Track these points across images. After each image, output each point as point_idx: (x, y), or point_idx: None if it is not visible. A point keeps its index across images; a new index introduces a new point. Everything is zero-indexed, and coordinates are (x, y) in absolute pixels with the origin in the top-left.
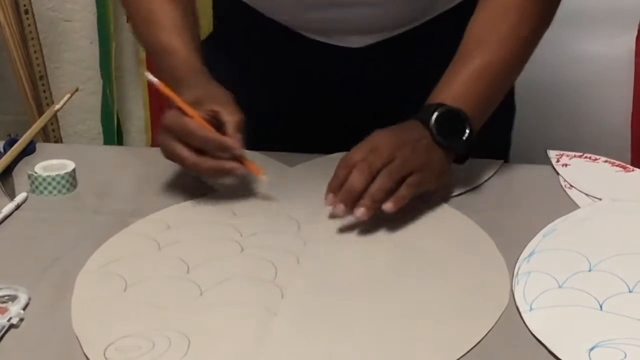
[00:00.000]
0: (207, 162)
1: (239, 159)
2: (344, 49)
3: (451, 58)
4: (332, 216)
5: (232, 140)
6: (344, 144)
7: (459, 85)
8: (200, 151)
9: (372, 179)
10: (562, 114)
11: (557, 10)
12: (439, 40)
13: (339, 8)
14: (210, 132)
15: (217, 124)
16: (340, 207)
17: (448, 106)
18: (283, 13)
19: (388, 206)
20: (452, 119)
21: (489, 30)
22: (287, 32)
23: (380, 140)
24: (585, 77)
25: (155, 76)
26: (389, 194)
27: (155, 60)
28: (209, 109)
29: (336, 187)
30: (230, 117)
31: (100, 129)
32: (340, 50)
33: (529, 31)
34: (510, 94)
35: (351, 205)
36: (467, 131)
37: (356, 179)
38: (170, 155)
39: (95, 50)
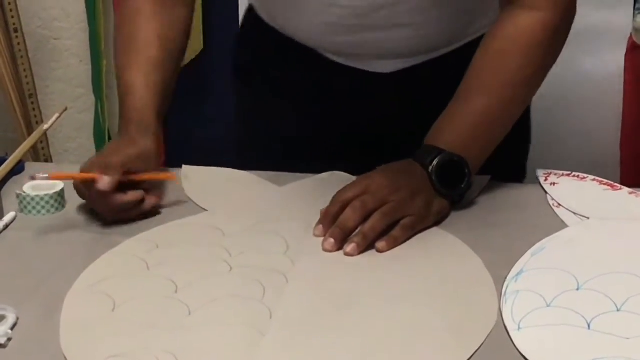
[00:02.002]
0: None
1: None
2: (372, 74)
3: None
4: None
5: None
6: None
7: (459, 129)
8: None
9: (365, 218)
10: (551, 131)
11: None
12: (461, 70)
13: (368, 32)
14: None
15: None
16: (330, 242)
17: (449, 153)
18: (312, 37)
19: (381, 245)
20: (453, 167)
21: (491, 73)
22: (314, 55)
23: (376, 181)
24: (574, 94)
25: None
26: (381, 234)
27: (118, 89)
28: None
29: (327, 222)
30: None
31: (90, 147)
32: (368, 75)
33: (531, 76)
34: (526, 117)
35: (341, 242)
36: (466, 179)
37: (349, 217)
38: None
39: (84, 68)
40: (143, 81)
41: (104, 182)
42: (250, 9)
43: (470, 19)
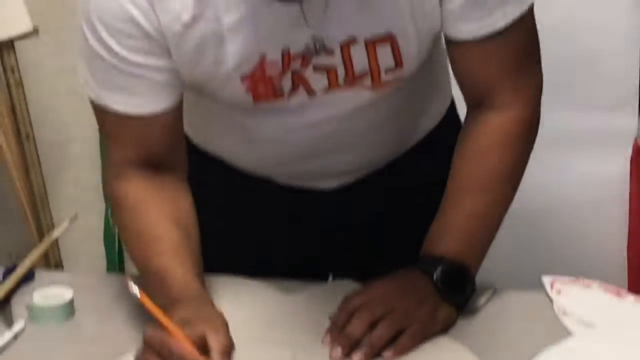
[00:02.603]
0: None
1: None
2: (316, 191)
3: (422, 194)
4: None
5: None
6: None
7: (456, 235)
8: None
9: (372, 326)
10: (555, 236)
11: (549, 130)
12: (407, 176)
13: (315, 158)
14: (192, 356)
15: (205, 347)
16: (338, 352)
17: (451, 261)
18: (256, 167)
19: (389, 355)
20: (457, 274)
21: (476, 174)
22: (254, 179)
23: (382, 289)
24: (577, 198)
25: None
26: (388, 342)
27: (148, 281)
28: (198, 331)
29: (335, 331)
30: (217, 343)
31: (100, 252)
32: (312, 193)
33: (512, 171)
34: None
35: (349, 351)
36: (470, 284)
37: (356, 326)
38: None
39: (95, 172)
40: (175, 263)
41: None
42: None
43: (415, 127)
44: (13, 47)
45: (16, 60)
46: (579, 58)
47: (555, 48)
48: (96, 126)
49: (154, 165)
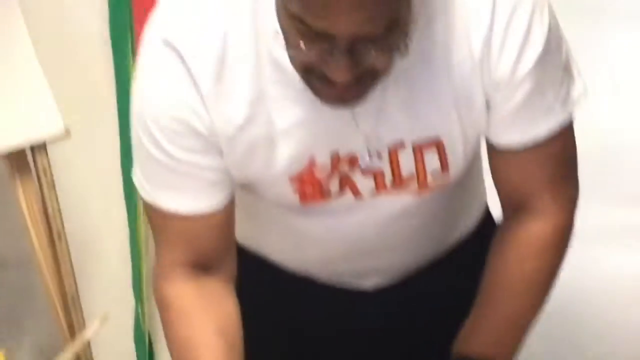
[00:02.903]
0: None
1: None
2: (354, 291)
3: (456, 296)
4: None
5: None
6: None
7: (488, 337)
8: None
9: None
10: (586, 331)
11: (580, 224)
12: (444, 278)
13: (358, 258)
14: None
15: None
16: None
17: None
18: (300, 264)
19: None
20: None
21: (511, 278)
22: (297, 279)
23: None
24: (609, 293)
25: None
26: None
27: None
28: None
29: None
30: None
31: (131, 351)
32: (351, 292)
33: (547, 277)
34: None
35: None
36: None
37: None
38: None
39: (126, 269)
40: None
41: None
42: None
43: (453, 229)
44: (45, 149)
45: (48, 162)
46: (606, 152)
47: (583, 142)
48: (126, 224)
49: (202, 266)
